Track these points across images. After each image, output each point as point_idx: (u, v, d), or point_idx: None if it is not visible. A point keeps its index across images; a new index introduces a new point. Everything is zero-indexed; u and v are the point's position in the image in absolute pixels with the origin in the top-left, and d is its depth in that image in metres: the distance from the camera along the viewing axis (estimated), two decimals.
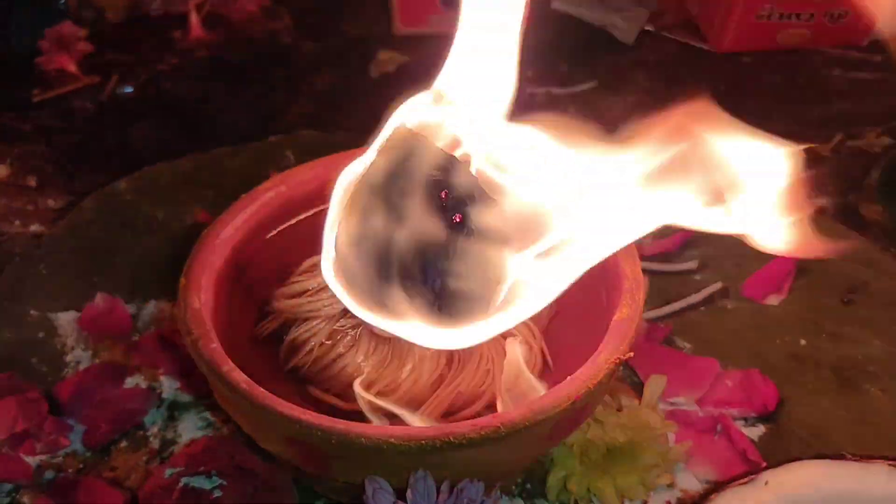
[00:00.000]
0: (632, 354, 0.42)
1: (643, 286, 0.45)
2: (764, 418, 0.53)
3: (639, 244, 0.55)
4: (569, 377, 0.41)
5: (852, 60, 0.90)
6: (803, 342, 0.57)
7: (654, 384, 0.51)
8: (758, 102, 0.85)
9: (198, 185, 0.72)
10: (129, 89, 0.89)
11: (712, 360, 0.56)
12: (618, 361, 0.41)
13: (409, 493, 0.39)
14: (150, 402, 0.54)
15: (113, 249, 0.66)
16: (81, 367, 0.57)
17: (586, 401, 0.40)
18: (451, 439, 0.38)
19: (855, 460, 0.42)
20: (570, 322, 0.48)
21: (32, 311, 0.61)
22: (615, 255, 0.46)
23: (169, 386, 0.55)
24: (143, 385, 0.55)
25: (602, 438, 0.48)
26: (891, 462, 0.42)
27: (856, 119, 0.82)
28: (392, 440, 0.38)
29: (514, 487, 0.49)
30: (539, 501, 0.49)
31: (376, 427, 0.39)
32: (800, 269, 0.61)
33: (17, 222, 0.71)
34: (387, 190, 0.41)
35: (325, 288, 0.47)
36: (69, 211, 0.71)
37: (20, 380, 0.55)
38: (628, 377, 0.55)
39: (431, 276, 0.40)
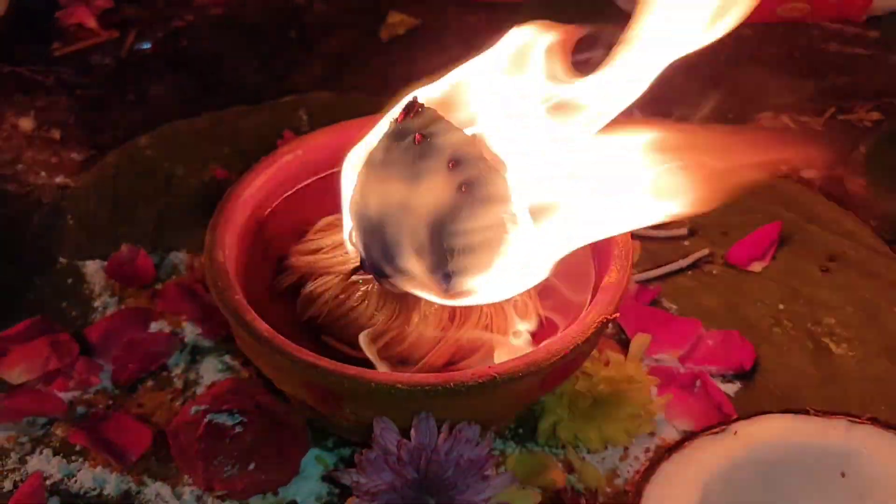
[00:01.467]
0: (618, 315, 0.46)
1: (632, 252, 0.49)
2: (740, 376, 0.57)
3: None
4: (560, 333, 0.45)
5: (849, 36, 0.93)
6: (781, 307, 0.61)
7: (639, 341, 0.55)
8: (755, 75, 0.88)
9: (215, 143, 0.75)
10: (146, 45, 0.92)
11: (696, 321, 0.60)
12: (604, 321, 0.45)
13: (412, 432, 0.43)
14: (174, 345, 0.58)
15: (135, 202, 0.70)
16: (109, 313, 0.61)
17: (575, 355, 0.45)
18: (452, 385, 0.42)
19: (818, 416, 0.46)
20: (562, 284, 0.52)
21: (61, 259, 0.65)
22: None
23: (191, 331, 0.59)
24: (167, 330, 0.59)
25: (589, 389, 0.52)
26: (850, 418, 0.46)
27: (849, 93, 0.85)
28: (399, 385, 0.42)
29: (507, 432, 0.53)
30: (530, 445, 0.53)
31: (385, 373, 0.43)
32: (783, 238, 0.65)
33: (43, 174, 0.75)
34: (399, 158, 0.45)
35: (340, 246, 0.51)
36: (92, 163, 0.75)
37: (51, 323, 0.59)
38: (616, 335, 0.60)
39: (440, 239, 0.44)
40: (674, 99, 0.83)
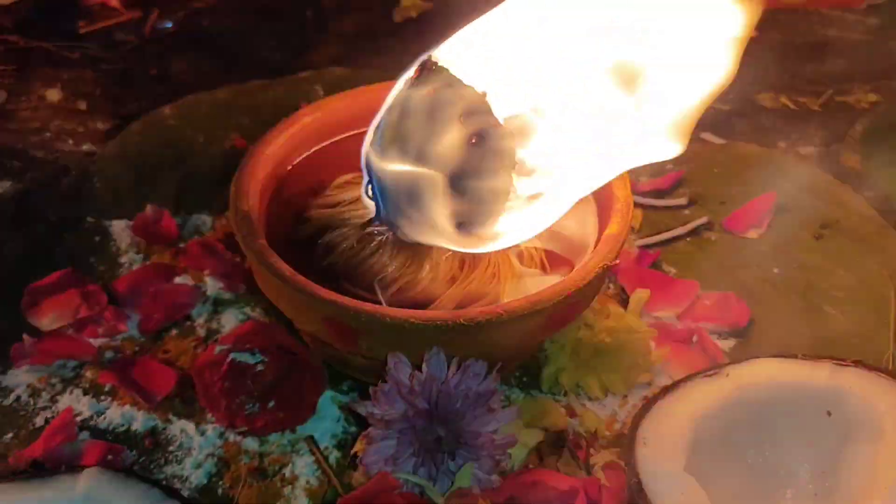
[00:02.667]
0: (618, 262, 0.49)
1: (632, 207, 0.52)
2: (735, 333, 0.60)
3: (634, 181, 0.62)
4: (563, 278, 0.48)
5: (849, 22, 0.96)
6: (776, 270, 0.64)
7: (639, 296, 0.58)
8: (756, 57, 0.90)
9: (234, 113, 0.79)
10: (168, 24, 0.96)
11: (693, 283, 0.63)
12: (606, 266, 0.48)
13: (424, 367, 0.46)
14: (197, 297, 0.61)
15: (159, 168, 0.73)
16: (134, 268, 0.64)
17: (577, 297, 0.48)
18: (462, 321, 0.45)
19: (805, 359, 0.49)
20: (566, 236, 0.55)
21: (89, 219, 0.68)
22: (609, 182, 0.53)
23: (213, 285, 0.62)
24: (190, 283, 0.63)
25: (591, 339, 0.55)
26: (835, 361, 0.49)
27: (847, 77, 0.88)
28: (412, 320, 0.45)
29: (512, 379, 0.56)
30: (534, 392, 0.56)
31: (399, 309, 0.46)
32: (778, 207, 0.68)
33: (70, 141, 0.79)
34: (414, 112, 0.48)
35: (357, 201, 0.54)
36: (117, 133, 0.78)
37: (81, 275, 0.62)
38: (617, 294, 0.63)
39: (454, 188, 0.47)
40: None
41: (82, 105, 0.83)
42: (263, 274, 0.49)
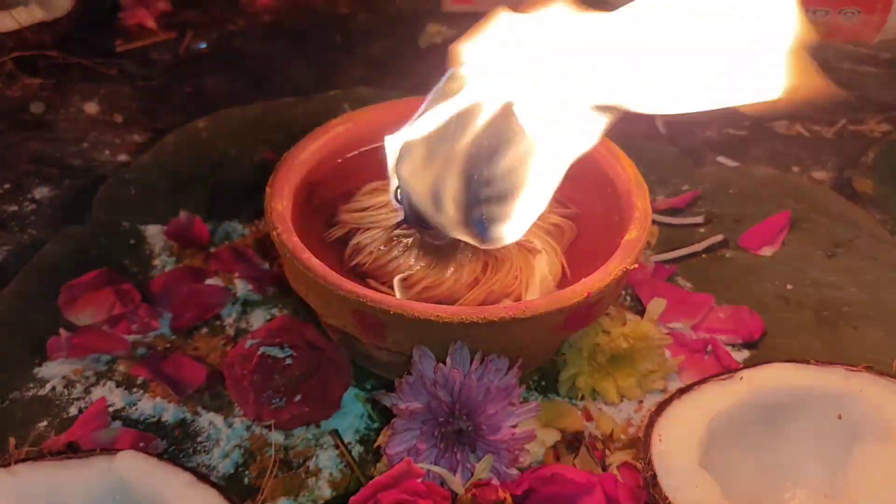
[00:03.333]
0: (636, 266, 0.51)
1: (650, 215, 0.54)
2: (749, 345, 0.62)
3: (652, 200, 0.64)
4: (583, 279, 0.50)
5: (862, 55, 0.98)
6: (790, 286, 0.66)
7: (655, 305, 0.60)
8: None
9: (265, 128, 0.81)
10: (202, 45, 0.99)
11: (708, 296, 0.64)
12: (625, 269, 0.50)
13: (448, 360, 0.48)
14: (227, 298, 0.64)
15: (192, 178, 0.76)
16: (167, 270, 0.66)
17: (596, 298, 0.49)
18: (486, 317, 0.47)
19: (817, 364, 0.51)
20: (587, 244, 0.57)
21: (124, 223, 0.70)
22: (629, 191, 0.55)
23: (242, 287, 0.65)
24: (221, 285, 0.65)
25: (608, 344, 0.57)
26: (847, 367, 0.50)
27: (860, 107, 0.90)
28: (438, 314, 0.47)
29: (530, 382, 0.58)
30: (552, 395, 0.58)
31: (426, 304, 0.48)
32: (793, 224, 0.70)
33: (107, 152, 0.82)
34: (440, 116, 0.50)
35: (385, 206, 0.57)
36: (152, 145, 0.81)
37: (116, 274, 0.65)
38: (634, 306, 0.64)
39: (476, 182, 0.49)
40: None
41: (119, 118, 0.86)
42: (296, 269, 0.51)
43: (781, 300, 0.65)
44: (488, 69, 0.53)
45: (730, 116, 0.87)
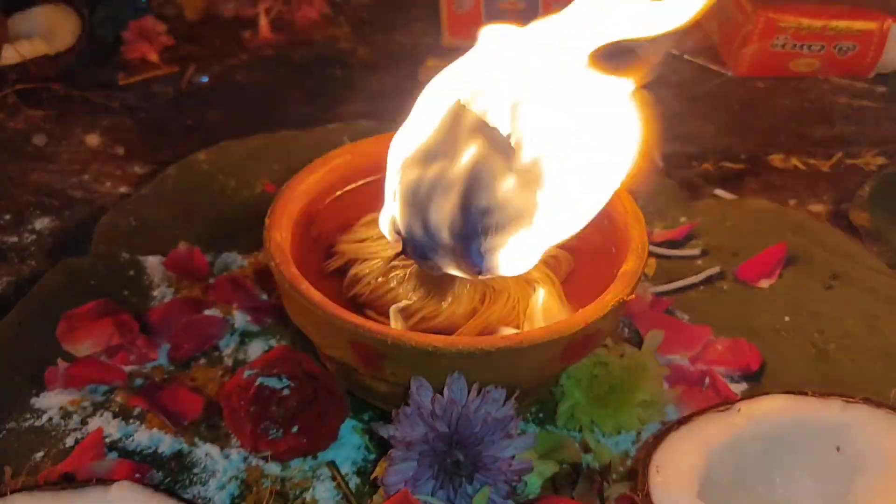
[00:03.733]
0: (633, 297, 0.51)
1: (647, 247, 0.54)
2: (747, 377, 0.61)
3: (647, 232, 0.65)
4: (581, 309, 0.50)
5: (857, 90, 0.99)
6: (787, 318, 0.66)
7: (653, 336, 0.60)
8: (768, 122, 0.94)
9: (265, 160, 0.82)
10: (204, 79, 1.00)
11: (706, 328, 0.64)
12: (622, 300, 0.50)
13: (445, 391, 0.48)
14: (225, 329, 0.64)
15: (192, 209, 0.76)
16: (166, 300, 0.66)
17: (594, 329, 0.50)
18: (483, 347, 0.47)
19: (815, 396, 0.51)
20: (584, 276, 0.58)
21: (124, 254, 0.71)
22: (626, 222, 0.56)
23: (241, 318, 0.65)
24: (219, 316, 0.65)
25: (606, 376, 0.57)
26: (845, 398, 0.50)
27: (856, 141, 0.91)
28: (436, 344, 0.47)
29: (528, 414, 0.58)
30: (550, 427, 0.58)
31: (423, 335, 0.48)
32: (790, 256, 0.70)
33: (108, 184, 0.82)
34: (439, 144, 0.51)
35: (383, 237, 0.57)
36: (153, 176, 0.81)
37: (115, 305, 0.65)
38: (632, 338, 0.64)
39: (473, 215, 0.50)
40: (691, 140, 0.90)
41: (120, 150, 0.87)
42: (294, 300, 0.51)
43: (779, 332, 0.65)
44: (488, 92, 0.54)
45: (725, 150, 0.88)
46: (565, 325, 0.48)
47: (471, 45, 0.57)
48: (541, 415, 0.58)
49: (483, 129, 0.51)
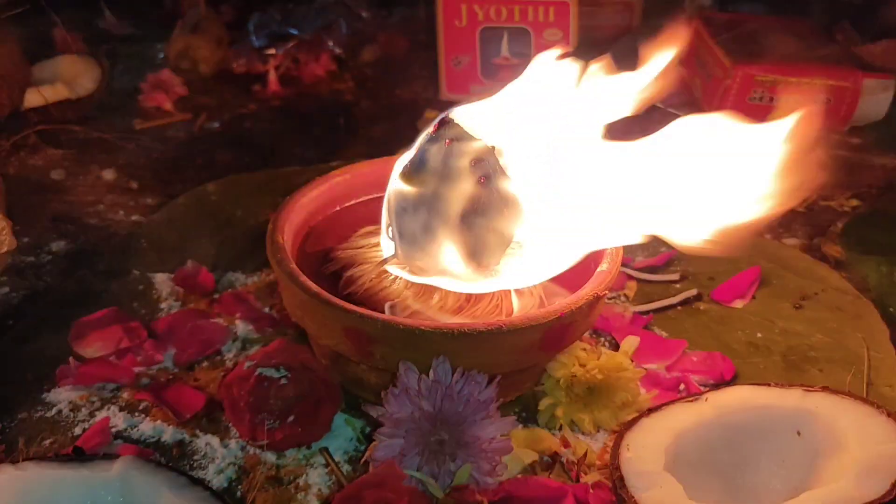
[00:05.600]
0: (608, 293, 0.55)
1: (621, 252, 0.59)
2: (720, 385, 0.65)
3: (629, 258, 0.69)
4: (558, 301, 0.54)
5: (833, 141, 1.05)
6: (759, 335, 0.70)
7: (629, 341, 0.64)
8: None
9: (270, 193, 0.87)
10: (215, 125, 1.07)
11: (682, 341, 0.68)
12: (596, 295, 0.54)
13: (431, 373, 0.52)
14: (228, 336, 0.68)
15: (200, 234, 0.81)
16: (173, 312, 0.71)
17: (569, 320, 0.53)
18: (466, 330, 0.51)
19: (777, 386, 0.54)
20: (564, 278, 0.62)
21: (135, 271, 0.75)
22: None
23: (243, 327, 0.69)
24: (223, 324, 0.69)
25: (584, 376, 0.60)
26: (805, 388, 0.54)
27: (831, 185, 0.95)
28: (422, 327, 0.51)
29: (513, 413, 0.61)
30: (532, 426, 0.61)
31: (410, 319, 0.52)
32: (763, 279, 0.74)
33: (122, 213, 0.87)
34: (432, 160, 0.56)
35: (377, 245, 0.62)
36: (164, 206, 0.86)
37: (125, 314, 0.69)
38: (612, 347, 0.68)
39: (465, 226, 0.54)
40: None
41: (134, 184, 0.92)
42: (292, 291, 0.55)
43: (751, 346, 0.68)
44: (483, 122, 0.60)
45: None
46: (543, 314, 0.52)
47: (468, 100, 0.62)
48: (524, 414, 0.62)
49: (471, 147, 0.56)
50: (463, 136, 0.56)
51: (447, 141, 0.56)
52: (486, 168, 0.55)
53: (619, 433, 0.52)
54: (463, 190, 0.55)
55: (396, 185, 0.58)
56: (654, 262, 0.78)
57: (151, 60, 1.23)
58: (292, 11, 1.29)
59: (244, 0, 1.33)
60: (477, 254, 0.55)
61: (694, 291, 0.74)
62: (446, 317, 0.57)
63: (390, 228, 0.59)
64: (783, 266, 0.76)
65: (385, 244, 0.60)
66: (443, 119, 0.58)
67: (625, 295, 0.74)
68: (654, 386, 0.64)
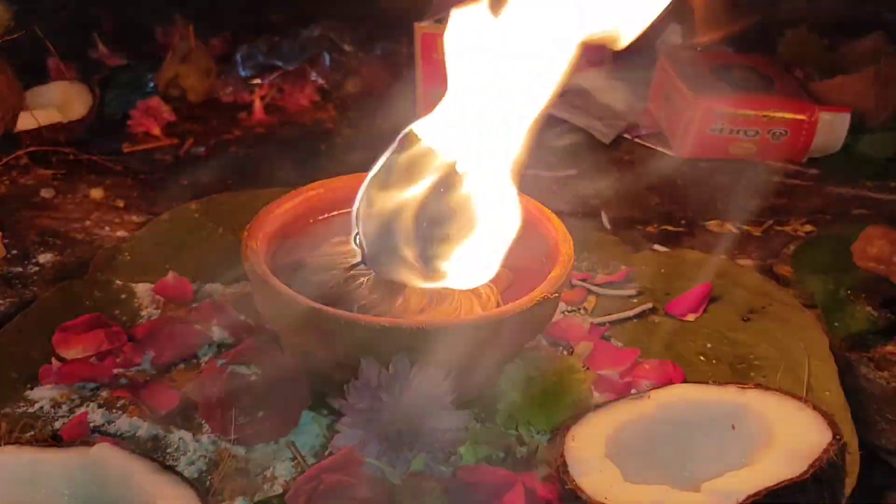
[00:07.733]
0: (557, 295, 0.59)
1: (572, 259, 0.63)
2: None
3: (590, 275, 0.74)
4: (510, 304, 0.58)
5: (791, 172, 1.10)
6: (709, 345, 0.74)
7: (582, 346, 0.68)
8: (709, 196, 1.04)
9: (251, 211, 0.90)
10: (201, 149, 1.11)
11: (635, 350, 0.72)
12: (545, 296, 0.58)
13: (391, 367, 0.56)
14: (204, 341, 0.71)
15: (181, 249, 0.85)
16: (153, 319, 0.74)
17: (520, 319, 0.57)
18: (424, 326, 0.55)
19: (715, 384, 0.58)
20: (522, 288, 0.65)
21: (117, 281, 0.79)
22: (556, 241, 0.64)
23: (219, 333, 0.72)
24: (200, 329, 0.72)
25: (539, 378, 0.64)
26: (740, 385, 0.57)
27: (786, 211, 1.00)
28: (383, 323, 0.55)
29: (471, 412, 0.64)
30: (490, 425, 0.64)
31: (372, 316, 0.56)
32: (714, 295, 0.78)
33: (107, 229, 0.91)
34: (395, 171, 0.60)
35: (346, 252, 0.65)
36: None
37: (106, 320, 0.72)
38: (570, 355, 0.72)
39: (424, 229, 0.59)
40: (637, 207, 0.99)
41: (120, 203, 0.96)
42: (263, 291, 0.59)
43: (701, 356, 0.72)
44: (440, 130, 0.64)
45: (667, 216, 0.98)
46: (496, 312, 0.56)
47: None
48: (482, 415, 0.65)
49: (432, 155, 0.61)
50: (422, 150, 0.61)
51: (409, 154, 0.61)
52: (444, 178, 0.59)
53: (567, 425, 0.56)
54: (420, 198, 0.59)
55: (363, 194, 0.63)
56: (612, 278, 0.82)
57: (142, 88, 1.27)
58: (278, 44, 1.34)
59: (233, 33, 1.39)
60: (431, 258, 0.59)
61: (650, 305, 0.78)
62: (409, 318, 0.61)
63: (357, 236, 0.63)
64: (733, 282, 0.80)
65: (353, 250, 0.64)
66: (405, 134, 0.62)
67: (584, 308, 0.78)
68: (607, 390, 0.67)
